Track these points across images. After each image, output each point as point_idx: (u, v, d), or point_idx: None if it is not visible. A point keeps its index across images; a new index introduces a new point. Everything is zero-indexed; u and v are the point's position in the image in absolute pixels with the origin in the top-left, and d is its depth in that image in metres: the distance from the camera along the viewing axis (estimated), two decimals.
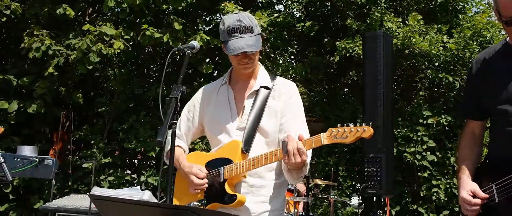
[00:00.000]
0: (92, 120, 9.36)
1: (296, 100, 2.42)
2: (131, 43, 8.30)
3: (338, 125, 2.07)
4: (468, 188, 2.05)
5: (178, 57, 9.30)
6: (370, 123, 2.00)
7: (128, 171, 9.31)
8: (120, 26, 8.31)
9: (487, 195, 2.00)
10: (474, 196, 2.04)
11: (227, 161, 2.30)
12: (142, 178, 8.38)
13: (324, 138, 2.07)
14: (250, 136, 2.32)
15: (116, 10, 8.33)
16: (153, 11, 8.32)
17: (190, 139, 2.61)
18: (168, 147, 2.51)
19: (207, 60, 9.35)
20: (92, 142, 8.67)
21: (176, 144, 2.46)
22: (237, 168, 2.25)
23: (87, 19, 8.95)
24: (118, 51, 7.72)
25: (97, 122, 9.11)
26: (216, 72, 9.75)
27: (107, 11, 8.27)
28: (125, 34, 7.97)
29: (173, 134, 2.13)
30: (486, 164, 2.17)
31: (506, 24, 1.99)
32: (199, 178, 2.30)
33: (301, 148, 2.06)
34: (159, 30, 7.78)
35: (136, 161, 9.72)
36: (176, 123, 2.12)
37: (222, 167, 2.30)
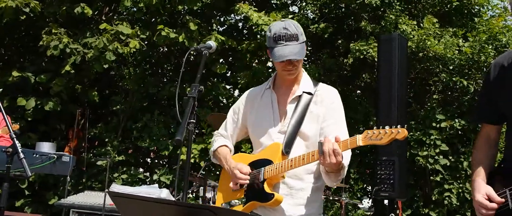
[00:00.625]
0: (106, 118, 9.48)
1: (337, 106, 2.48)
2: (146, 42, 8.40)
3: (374, 127, 2.16)
4: (484, 191, 2.04)
5: (192, 57, 9.38)
6: (405, 125, 2.06)
7: (141, 170, 9.40)
8: (136, 25, 8.41)
9: (503, 200, 1.98)
10: (490, 200, 2.02)
11: (268, 162, 2.37)
12: (155, 177, 8.46)
13: (360, 140, 2.12)
14: (291, 139, 2.39)
15: (132, 9, 8.44)
16: (168, 11, 8.40)
17: (235, 140, 2.70)
18: (214, 146, 2.63)
19: (221, 60, 9.41)
20: (107, 140, 8.78)
21: (223, 143, 2.62)
22: (276, 168, 2.32)
23: (104, 18, 9.07)
24: (134, 50, 7.81)
25: (111, 120, 9.23)
26: (229, 72, 9.81)
27: (123, 11, 8.38)
28: (141, 34, 8.07)
29: (190, 133, 2.19)
30: (500, 169, 2.16)
31: None
32: (242, 172, 2.39)
33: (337, 149, 2.11)
34: (174, 30, 7.86)
35: (149, 159, 9.81)
36: (193, 122, 2.17)
37: (263, 168, 2.38)
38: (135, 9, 8.36)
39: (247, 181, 2.39)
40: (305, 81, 2.51)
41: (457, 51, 7.34)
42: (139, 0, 7.82)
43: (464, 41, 7.61)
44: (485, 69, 7.15)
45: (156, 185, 6.12)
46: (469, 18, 8.36)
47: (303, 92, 2.46)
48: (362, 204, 8.49)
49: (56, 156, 4.03)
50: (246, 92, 2.71)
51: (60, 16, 8.38)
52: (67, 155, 4.15)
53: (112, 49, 7.57)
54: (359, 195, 8.85)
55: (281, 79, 2.53)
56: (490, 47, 7.30)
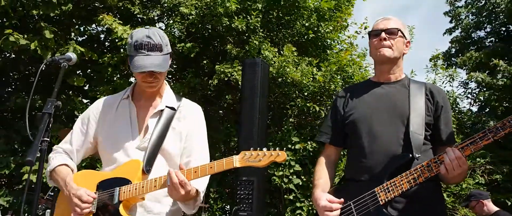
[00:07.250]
0: None
1: (201, 124, 2.39)
2: None
3: (251, 148, 2.06)
4: (325, 197, 2.24)
5: (44, 67, 8.58)
6: (284, 148, 2.05)
7: None
8: None
9: (342, 200, 2.20)
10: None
11: (124, 181, 2.14)
12: None
13: (237, 161, 2.02)
14: (152, 156, 2.20)
15: None
16: (20, 14, 7.59)
17: (82, 156, 2.40)
18: (52, 165, 2.29)
19: (78, 72, 8.79)
20: None
21: (63, 162, 2.30)
22: (136, 189, 2.10)
23: None
24: None
25: None
26: (87, 85, 9.21)
27: None
28: None
29: (43, 153, 1.96)
30: (340, 186, 2.39)
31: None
32: (82, 201, 2.11)
33: (182, 180, 1.99)
34: (25, 36, 7.11)
35: None
36: (47, 140, 1.95)
37: (118, 188, 2.13)
38: None
39: (87, 211, 2.11)
40: (167, 95, 2.38)
41: (311, 79, 7.97)
42: None
43: (317, 70, 8.31)
44: (334, 97, 7.88)
45: None
46: (322, 50, 9.18)
47: (166, 106, 2.32)
48: None
49: None
50: (98, 101, 2.46)
51: None
52: None
53: None
54: (218, 215, 8.94)
55: (141, 90, 2.35)
56: (339, 77, 8.09)
